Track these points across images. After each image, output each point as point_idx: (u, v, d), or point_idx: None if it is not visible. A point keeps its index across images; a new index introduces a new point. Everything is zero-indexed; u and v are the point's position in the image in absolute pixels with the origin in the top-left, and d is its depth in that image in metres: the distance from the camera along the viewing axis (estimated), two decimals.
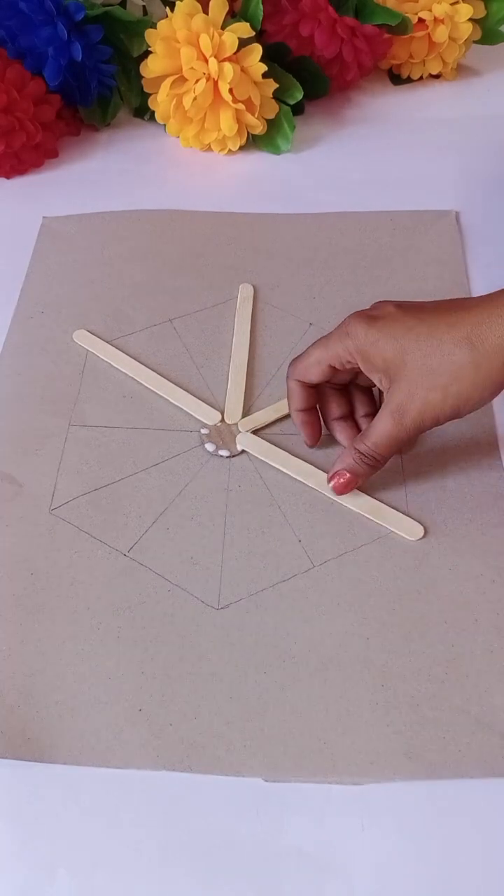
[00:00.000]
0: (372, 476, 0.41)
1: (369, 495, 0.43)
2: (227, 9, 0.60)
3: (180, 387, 0.49)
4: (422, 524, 0.42)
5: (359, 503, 0.43)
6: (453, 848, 0.33)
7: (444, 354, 0.36)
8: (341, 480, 0.41)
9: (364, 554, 0.41)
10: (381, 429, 0.39)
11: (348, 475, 0.41)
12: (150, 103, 0.65)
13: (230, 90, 0.60)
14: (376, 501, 0.43)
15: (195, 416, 0.47)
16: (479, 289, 0.54)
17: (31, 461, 0.45)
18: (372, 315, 0.39)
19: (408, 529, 0.42)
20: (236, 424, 0.47)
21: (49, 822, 0.34)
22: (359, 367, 0.40)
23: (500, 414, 0.47)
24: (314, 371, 0.41)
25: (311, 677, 0.37)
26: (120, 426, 0.47)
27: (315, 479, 0.44)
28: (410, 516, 0.43)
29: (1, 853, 0.33)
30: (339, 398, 0.44)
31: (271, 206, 0.61)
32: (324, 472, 0.44)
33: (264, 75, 0.61)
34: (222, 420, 0.47)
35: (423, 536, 0.42)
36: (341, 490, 0.42)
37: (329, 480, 0.42)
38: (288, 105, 0.65)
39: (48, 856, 0.33)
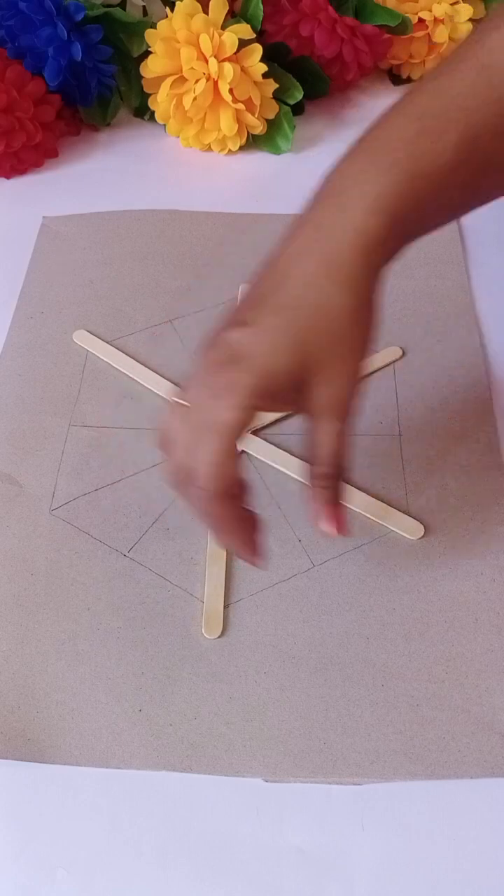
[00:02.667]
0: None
1: (370, 495, 0.43)
2: (227, 9, 0.60)
3: (180, 387, 0.48)
4: (422, 523, 0.42)
5: (359, 503, 0.43)
6: (453, 848, 0.33)
7: (332, 313, 0.30)
8: (334, 519, 0.33)
9: (364, 553, 0.41)
10: (330, 435, 0.31)
11: (334, 507, 0.33)
12: (150, 103, 0.65)
13: (230, 90, 0.60)
14: (377, 501, 0.43)
15: None
16: (479, 289, 0.54)
17: (31, 461, 0.45)
18: (229, 356, 0.30)
19: (408, 529, 0.42)
20: None
21: (49, 822, 0.34)
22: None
23: (500, 413, 0.47)
24: (232, 467, 0.30)
25: (311, 677, 0.37)
26: (120, 426, 0.47)
27: None
28: (411, 515, 0.42)
29: (1, 853, 0.33)
30: None
31: (271, 206, 0.61)
32: None
33: (264, 75, 0.61)
34: None
35: (424, 536, 0.42)
36: (344, 528, 0.33)
37: (332, 529, 0.33)
38: (288, 105, 0.65)
39: (48, 856, 0.33)
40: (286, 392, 0.30)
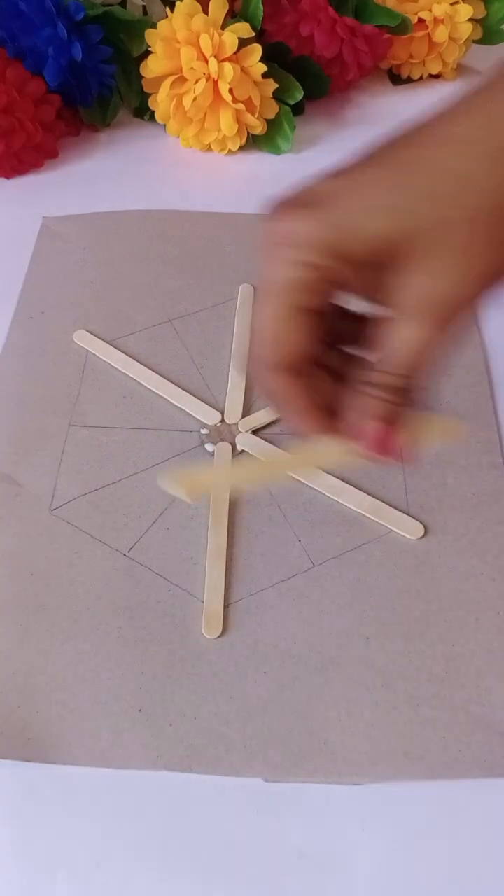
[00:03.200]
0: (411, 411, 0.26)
1: (369, 494, 0.43)
2: (227, 9, 0.60)
3: (180, 387, 0.49)
4: (422, 523, 0.42)
5: (359, 502, 0.43)
6: (453, 848, 0.33)
7: (467, 184, 0.22)
8: (378, 436, 0.25)
9: (364, 553, 0.41)
10: (413, 342, 0.24)
11: (382, 426, 0.25)
12: (150, 103, 0.65)
13: (230, 90, 0.60)
14: (376, 500, 0.43)
15: (195, 416, 0.47)
16: None
17: (31, 461, 0.45)
18: (300, 200, 0.24)
19: (408, 528, 0.42)
20: (236, 424, 0.47)
21: (49, 822, 0.34)
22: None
23: (500, 411, 0.47)
24: (289, 332, 0.24)
25: (311, 677, 0.37)
26: (120, 426, 0.47)
27: (315, 479, 0.44)
28: (411, 515, 0.42)
29: (1, 853, 0.33)
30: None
31: None
32: (324, 472, 0.44)
33: (264, 75, 0.61)
34: (222, 420, 0.47)
35: (424, 535, 0.42)
36: (385, 450, 0.26)
37: (366, 445, 0.26)
38: (288, 105, 0.65)
39: (48, 856, 0.33)
40: (365, 263, 0.23)
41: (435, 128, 0.23)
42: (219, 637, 0.38)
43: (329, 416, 0.26)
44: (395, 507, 0.43)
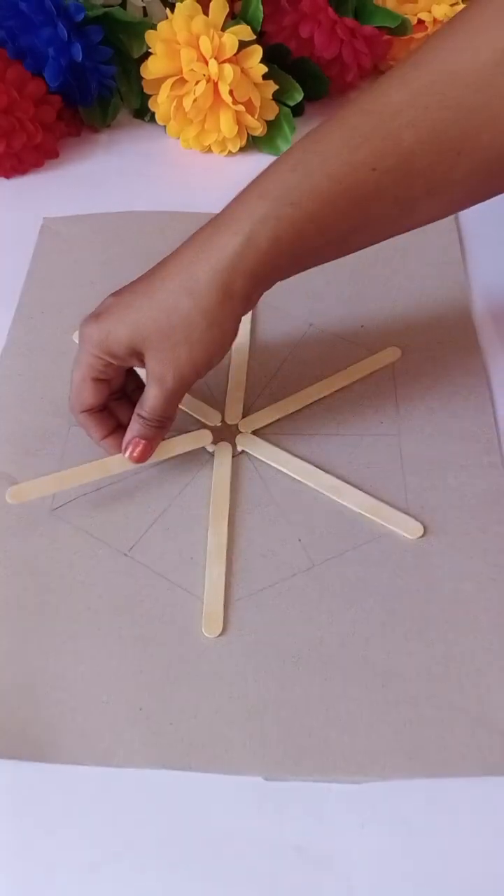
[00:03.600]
0: (164, 434, 0.42)
1: (369, 494, 0.43)
2: (227, 10, 0.60)
3: None
4: (422, 523, 0.42)
5: (359, 502, 0.43)
6: (453, 847, 0.33)
7: (171, 312, 0.37)
8: (138, 448, 0.41)
9: (364, 553, 0.41)
10: (152, 395, 0.39)
11: (142, 442, 0.41)
12: (151, 104, 0.66)
13: (230, 92, 0.60)
14: (376, 500, 0.43)
15: (195, 416, 0.47)
16: (479, 289, 0.55)
17: (31, 461, 0.45)
18: (96, 313, 0.39)
19: (408, 528, 0.42)
20: (236, 425, 0.47)
21: (49, 822, 0.34)
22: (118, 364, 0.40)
23: (500, 411, 0.47)
24: (86, 393, 0.41)
25: (311, 677, 0.37)
26: None
27: (315, 479, 0.44)
28: (410, 515, 0.43)
29: (1, 853, 0.33)
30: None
31: None
32: (324, 472, 0.44)
33: (264, 77, 0.61)
34: (222, 420, 0.47)
35: (423, 535, 0.42)
36: (140, 457, 0.41)
37: (125, 453, 0.41)
38: (288, 106, 0.65)
39: (48, 856, 0.33)
40: (124, 353, 0.38)
41: (168, 263, 0.38)
42: (219, 636, 0.38)
43: (119, 437, 0.42)
44: (395, 507, 0.43)
